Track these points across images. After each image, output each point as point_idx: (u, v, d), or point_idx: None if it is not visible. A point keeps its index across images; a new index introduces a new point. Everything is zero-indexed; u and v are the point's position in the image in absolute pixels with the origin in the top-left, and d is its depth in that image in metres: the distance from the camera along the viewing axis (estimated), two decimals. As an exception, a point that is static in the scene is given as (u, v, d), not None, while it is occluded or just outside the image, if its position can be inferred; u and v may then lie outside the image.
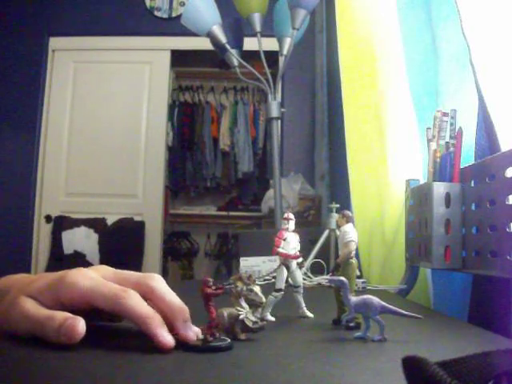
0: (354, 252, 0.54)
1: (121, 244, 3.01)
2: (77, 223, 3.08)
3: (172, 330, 0.42)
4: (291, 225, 0.58)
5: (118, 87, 3.25)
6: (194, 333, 0.43)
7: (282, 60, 1.68)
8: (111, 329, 0.49)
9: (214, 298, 0.43)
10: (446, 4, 0.85)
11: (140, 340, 0.42)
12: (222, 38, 1.67)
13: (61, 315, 0.41)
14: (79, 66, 3.28)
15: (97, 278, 0.44)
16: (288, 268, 0.59)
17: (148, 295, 0.44)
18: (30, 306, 0.43)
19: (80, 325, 0.40)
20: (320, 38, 2.81)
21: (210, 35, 1.67)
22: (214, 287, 0.43)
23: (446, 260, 0.74)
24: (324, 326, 0.55)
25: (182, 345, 0.41)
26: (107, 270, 0.48)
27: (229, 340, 0.43)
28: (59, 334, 0.40)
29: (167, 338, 0.40)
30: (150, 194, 3.19)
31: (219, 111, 3.95)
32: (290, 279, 0.59)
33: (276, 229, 1.53)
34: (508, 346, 0.30)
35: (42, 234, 3.15)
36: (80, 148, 3.22)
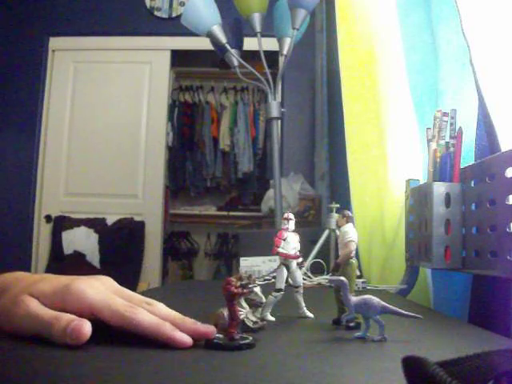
0: (354, 252, 0.54)
1: (121, 244, 3.01)
2: (77, 223, 3.08)
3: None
4: (291, 225, 0.58)
5: (117, 87, 3.25)
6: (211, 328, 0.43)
7: (281, 60, 1.68)
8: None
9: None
10: (446, 4, 0.85)
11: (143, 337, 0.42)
12: (222, 38, 1.67)
13: (67, 317, 0.41)
14: (79, 66, 3.28)
15: (104, 291, 0.45)
16: (288, 268, 0.59)
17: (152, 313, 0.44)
18: (36, 306, 0.43)
19: (86, 326, 0.40)
20: (320, 37, 2.81)
21: (210, 35, 1.67)
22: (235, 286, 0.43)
23: (446, 260, 0.74)
24: (324, 326, 0.55)
25: (207, 344, 0.42)
26: (111, 283, 0.49)
27: (250, 338, 0.43)
28: (65, 335, 0.40)
29: (184, 338, 0.41)
30: (150, 194, 3.19)
31: (219, 111, 3.95)
32: (289, 279, 0.59)
33: (276, 229, 1.53)
34: (508, 346, 0.30)
35: (42, 234, 3.15)
36: (80, 148, 3.22)
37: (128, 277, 2.83)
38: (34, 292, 0.44)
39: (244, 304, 0.48)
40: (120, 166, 3.19)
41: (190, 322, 0.44)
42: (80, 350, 0.39)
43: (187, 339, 0.41)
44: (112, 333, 0.44)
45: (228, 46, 1.68)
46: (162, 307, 0.46)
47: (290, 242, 0.58)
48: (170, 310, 0.46)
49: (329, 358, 0.40)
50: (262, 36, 1.71)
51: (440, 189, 0.75)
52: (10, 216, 3.10)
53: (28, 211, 3.13)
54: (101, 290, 0.45)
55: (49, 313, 0.42)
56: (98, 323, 0.43)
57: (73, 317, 0.41)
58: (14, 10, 3.23)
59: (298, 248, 0.59)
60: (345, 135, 1.47)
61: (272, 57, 2.02)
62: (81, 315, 0.43)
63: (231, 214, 3.77)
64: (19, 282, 0.47)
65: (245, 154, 3.73)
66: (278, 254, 0.58)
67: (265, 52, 1.72)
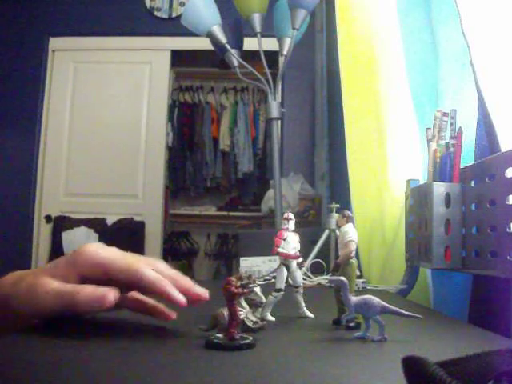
0: (353, 252, 0.54)
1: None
2: (77, 223, 3.08)
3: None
4: (291, 225, 0.58)
5: (117, 87, 3.25)
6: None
7: (282, 60, 1.68)
8: (118, 327, 0.49)
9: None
10: (446, 4, 0.85)
11: (145, 338, 0.42)
12: (222, 38, 1.66)
13: (90, 286, 0.44)
14: (79, 66, 3.28)
15: (113, 250, 0.49)
16: (288, 268, 0.58)
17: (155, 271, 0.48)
18: (55, 283, 0.45)
19: (112, 292, 0.43)
20: (320, 37, 2.81)
21: (210, 35, 1.67)
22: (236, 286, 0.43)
23: (446, 260, 0.74)
24: (324, 326, 0.55)
25: (207, 344, 0.42)
26: (116, 249, 0.52)
27: (250, 338, 0.43)
28: (91, 301, 0.43)
29: (180, 296, 0.45)
30: (150, 194, 3.19)
31: (219, 111, 3.95)
32: (289, 279, 0.59)
33: (276, 229, 1.53)
34: (508, 346, 0.30)
35: (42, 234, 3.15)
36: (80, 148, 3.22)
37: (128, 277, 2.83)
38: (50, 270, 0.47)
39: (244, 304, 0.48)
40: (120, 166, 3.19)
41: (187, 280, 0.49)
42: (80, 350, 0.39)
43: (182, 299, 0.45)
44: (111, 333, 0.44)
45: (228, 46, 1.68)
46: (163, 267, 0.50)
47: (290, 242, 0.58)
48: (170, 269, 0.50)
49: (329, 358, 0.40)
50: (262, 36, 1.71)
51: (440, 189, 0.75)
52: (9, 216, 3.10)
53: (28, 211, 3.13)
54: (110, 250, 0.49)
55: (69, 286, 0.45)
56: (98, 324, 0.43)
57: (95, 286, 0.44)
58: (14, 10, 3.23)
59: (298, 248, 0.59)
60: (345, 135, 1.47)
61: (272, 57, 2.02)
62: (93, 274, 0.46)
63: (231, 214, 3.77)
64: (33, 270, 0.49)
65: (245, 154, 3.73)
66: (278, 253, 0.58)
67: (265, 52, 1.72)
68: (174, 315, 0.49)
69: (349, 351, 0.43)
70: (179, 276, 0.49)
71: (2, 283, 0.49)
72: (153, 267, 0.48)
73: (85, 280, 0.46)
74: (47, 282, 0.45)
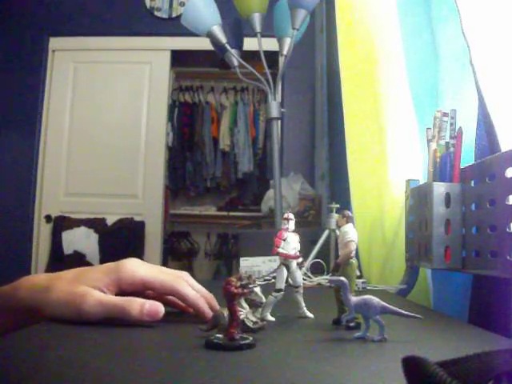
0: (354, 252, 0.54)
1: (121, 244, 3.01)
2: (77, 223, 3.08)
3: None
4: (291, 225, 0.58)
5: (117, 87, 3.25)
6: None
7: (282, 60, 1.68)
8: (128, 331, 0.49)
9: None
10: (446, 4, 0.85)
11: (149, 341, 0.42)
12: (222, 38, 1.66)
13: (139, 299, 0.49)
14: (79, 66, 3.28)
15: (149, 267, 0.54)
16: (288, 268, 0.58)
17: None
18: (101, 295, 0.49)
19: (161, 307, 0.49)
20: (320, 37, 2.81)
21: (210, 35, 1.67)
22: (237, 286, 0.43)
23: (446, 260, 0.74)
24: (324, 326, 0.55)
25: (207, 344, 0.42)
26: (142, 262, 0.55)
27: (250, 338, 0.43)
28: (143, 314, 0.48)
29: (210, 315, 0.52)
30: (150, 194, 3.19)
31: (219, 111, 3.95)
32: (289, 279, 0.59)
33: (276, 229, 1.53)
34: (508, 346, 0.30)
35: (42, 234, 3.15)
36: (80, 148, 3.22)
37: (128, 277, 2.82)
38: (85, 281, 0.50)
39: (244, 304, 0.48)
40: (120, 166, 3.19)
41: (212, 298, 0.56)
42: (80, 349, 0.39)
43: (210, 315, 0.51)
44: (111, 333, 0.44)
45: (228, 46, 1.68)
46: (192, 281, 0.57)
47: (290, 242, 0.58)
48: (197, 283, 0.57)
49: (329, 358, 0.40)
50: (262, 36, 1.71)
51: (440, 189, 0.75)
52: (10, 216, 3.09)
53: (28, 211, 3.13)
54: (146, 267, 0.53)
55: (117, 298, 0.49)
56: (98, 323, 0.43)
57: (142, 300, 0.49)
58: (14, 9, 3.23)
59: (298, 248, 0.59)
60: (345, 135, 1.47)
61: (272, 57, 2.02)
62: (133, 289, 0.51)
63: (231, 214, 3.77)
64: (57, 276, 0.52)
65: (245, 153, 3.73)
66: (278, 254, 0.58)
67: (265, 52, 1.72)
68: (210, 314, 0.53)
69: (349, 351, 0.43)
70: (205, 292, 0.57)
71: (16, 286, 0.51)
72: (187, 282, 0.54)
73: (122, 292, 0.51)
74: (94, 293, 0.49)
